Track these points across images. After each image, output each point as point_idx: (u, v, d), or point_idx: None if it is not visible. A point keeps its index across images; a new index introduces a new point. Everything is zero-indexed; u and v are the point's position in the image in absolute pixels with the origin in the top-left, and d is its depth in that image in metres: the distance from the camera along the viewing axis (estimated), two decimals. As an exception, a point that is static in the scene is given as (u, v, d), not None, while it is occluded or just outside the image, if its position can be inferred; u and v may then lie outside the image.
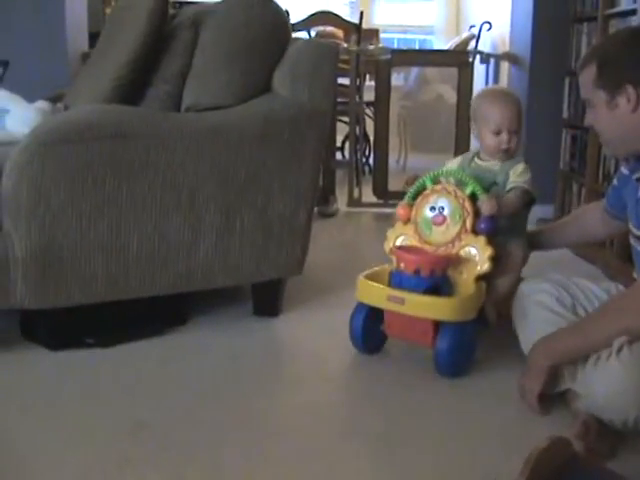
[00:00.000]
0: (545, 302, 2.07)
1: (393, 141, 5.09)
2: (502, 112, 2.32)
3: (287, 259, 2.49)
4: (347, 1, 7.42)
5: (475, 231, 2.20)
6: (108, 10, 5.56)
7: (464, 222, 2.20)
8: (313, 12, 5.31)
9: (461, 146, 4.54)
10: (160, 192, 2.26)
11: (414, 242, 2.29)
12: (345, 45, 4.94)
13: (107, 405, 1.97)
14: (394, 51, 5.03)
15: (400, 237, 2.33)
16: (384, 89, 4.58)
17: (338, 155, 5.50)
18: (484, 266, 2.17)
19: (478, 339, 2.21)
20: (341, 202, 4.51)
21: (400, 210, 2.34)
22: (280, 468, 1.69)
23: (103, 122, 2.25)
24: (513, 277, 2.28)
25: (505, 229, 2.27)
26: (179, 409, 1.95)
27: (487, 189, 2.26)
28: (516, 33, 4.43)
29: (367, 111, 5.42)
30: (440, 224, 2.24)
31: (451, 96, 5.12)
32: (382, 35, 6.70)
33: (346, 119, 4.91)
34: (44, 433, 1.82)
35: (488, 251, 2.17)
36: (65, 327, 2.33)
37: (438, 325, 2.12)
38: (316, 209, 2.67)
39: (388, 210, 4.45)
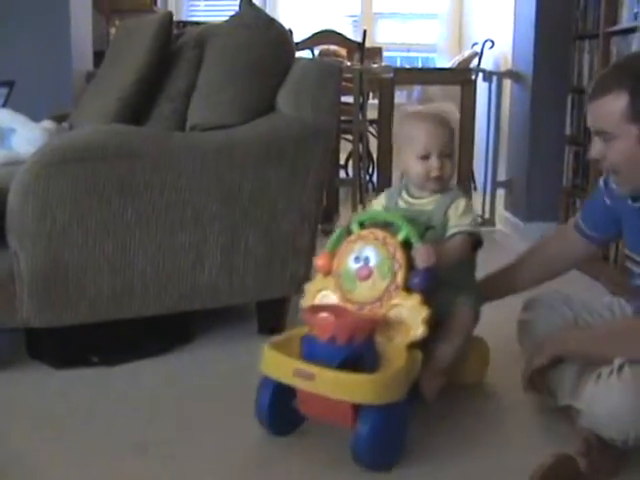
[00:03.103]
0: (548, 317, 2.07)
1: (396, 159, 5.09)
2: (430, 132, 1.98)
3: (291, 277, 2.49)
4: (350, 20, 7.45)
5: (408, 287, 1.81)
6: (112, 30, 5.61)
7: (394, 276, 1.81)
8: (316, 31, 5.34)
9: (464, 164, 4.55)
10: (165, 211, 2.27)
11: (336, 299, 1.89)
12: (348, 64, 4.96)
13: (111, 423, 1.97)
14: (397, 69, 5.05)
15: (321, 292, 1.94)
16: (387, 107, 4.60)
17: (341, 173, 5.51)
18: (418, 331, 1.76)
19: (411, 420, 1.79)
20: (344, 220, 4.51)
21: (319, 260, 1.96)
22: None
23: (108, 142, 2.27)
24: (459, 342, 1.94)
25: (448, 282, 1.91)
26: (183, 428, 1.95)
27: (422, 235, 1.90)
28: (518, 51, 4.45)
29: (370, 129, 5.43)
30: (365, 278, 1.83)
31: (454, 114, 5.14)
32: (385, 53, 6.73)
33: (349, 137, 4.92)
34: (48, 450, 1.83)
35: (423, 312, 1.77)
36: (70, 345, 2.34)
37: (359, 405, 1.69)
38: (319, 227, 2.65)
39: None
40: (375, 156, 5.03)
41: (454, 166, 2.06)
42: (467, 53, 6.24)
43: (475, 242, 1.99)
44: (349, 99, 4.61)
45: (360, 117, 4.73)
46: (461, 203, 1.97)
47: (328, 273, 1.93)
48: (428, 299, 1.80)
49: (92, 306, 2.26)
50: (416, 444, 1.81)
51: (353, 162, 4.85)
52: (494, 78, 4.76)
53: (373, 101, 5.32)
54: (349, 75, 4.53)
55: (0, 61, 3.96)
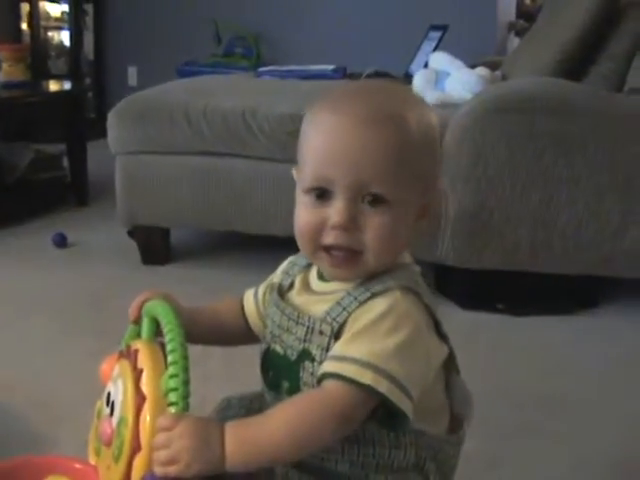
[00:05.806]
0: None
1: None
2: (338, 139, 0.89)
3: None
4: None
5: None
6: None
7: (129, 460, 0.87)
8: None
9: None
10: (597, 171, 2.23)
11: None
12: None
13: (511, 373, 2.00)
14: None
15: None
16: None
17: None
18: None
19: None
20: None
21: (103, 364, 1.03)
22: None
23: (548, 95, 2.28)
24: None
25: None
26: (584, 386, 1.92)
27: (288, 372, 0.96)
28: None
29: None
30: (107, 443, 0.93)
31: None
32: None
33: None
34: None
35: None
36: (479, 289, 2.41)
37: None
38: None
39: None
40: None
41: (405, 226, 0.93)
42: None
43: (382, 406, 0.88)
44: None
45: None
46: (376, 307, 0.89)
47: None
48: None
49: (509, 255, 2.30)
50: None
51: None
52: None
53: None
54: None
55: (436, 5, 4.11)
